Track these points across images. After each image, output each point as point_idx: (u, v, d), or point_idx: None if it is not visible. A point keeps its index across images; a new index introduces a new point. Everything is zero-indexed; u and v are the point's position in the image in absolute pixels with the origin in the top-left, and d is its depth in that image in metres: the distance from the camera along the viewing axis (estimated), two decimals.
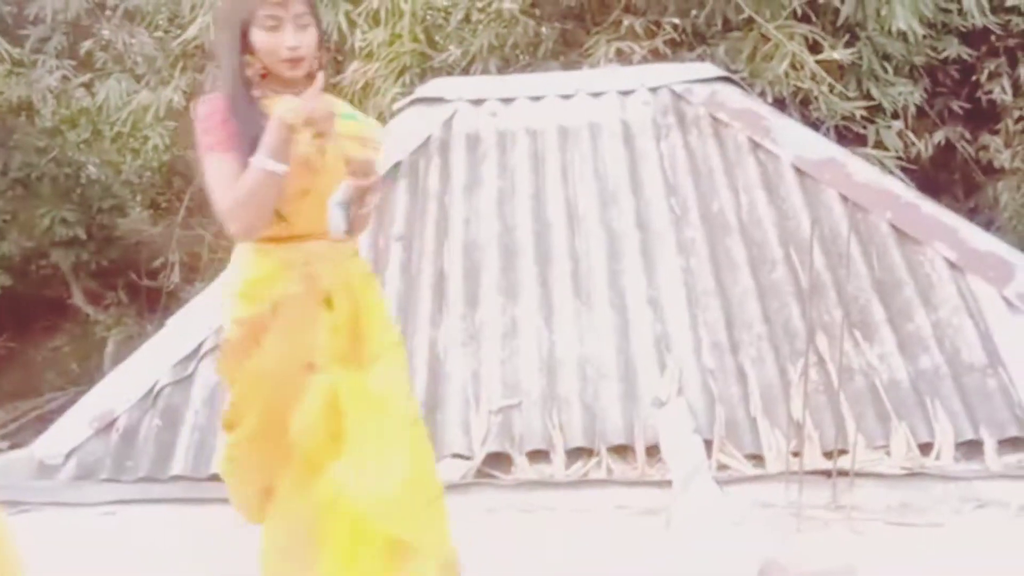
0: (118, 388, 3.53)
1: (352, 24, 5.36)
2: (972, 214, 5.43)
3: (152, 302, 6.90)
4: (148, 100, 5.86)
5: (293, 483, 1.87)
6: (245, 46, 1.81)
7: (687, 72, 4.35)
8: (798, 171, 3.89)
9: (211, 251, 6.93)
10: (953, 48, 5.23)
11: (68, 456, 3.34)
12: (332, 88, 5.90)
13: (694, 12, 5.01)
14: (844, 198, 3.76)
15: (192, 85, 5.85)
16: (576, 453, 3.14)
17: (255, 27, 1.79)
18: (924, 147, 5.30)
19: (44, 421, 3.71)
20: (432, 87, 4.39)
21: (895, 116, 5.03)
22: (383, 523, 1.80)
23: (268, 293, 1.83)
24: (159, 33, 6.21)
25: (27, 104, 6.90)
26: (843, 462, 2.92)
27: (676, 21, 4.84)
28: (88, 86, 6.49)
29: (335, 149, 1.83)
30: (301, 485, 1.86)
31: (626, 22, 4.83)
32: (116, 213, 7.44)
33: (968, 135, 5.55)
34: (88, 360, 6.83)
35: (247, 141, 1.77)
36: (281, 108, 1.77)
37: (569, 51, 5.07)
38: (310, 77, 1.81)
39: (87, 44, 6.18)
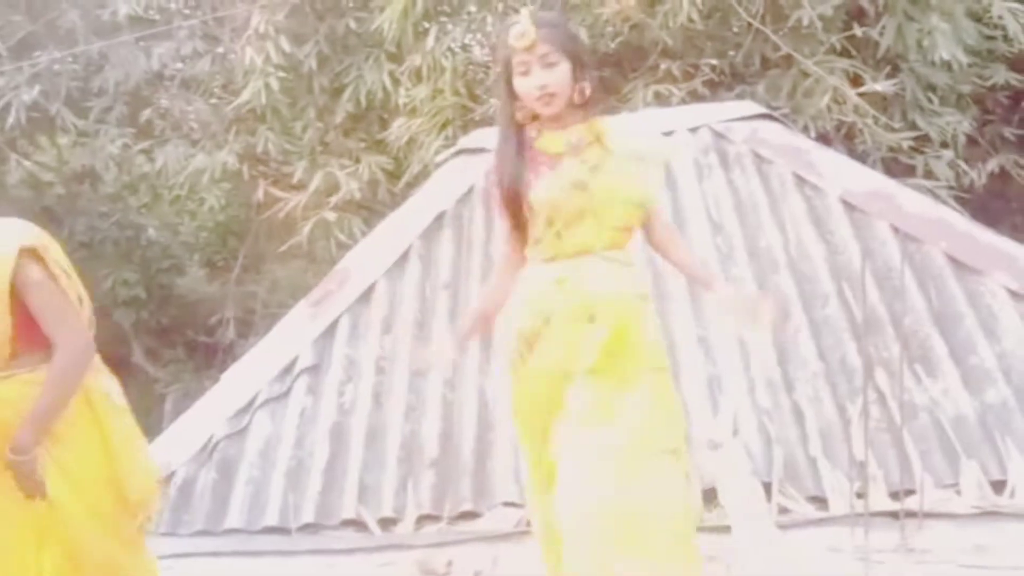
0: (175, 442, 3.60)
1: (396, 82, 5.53)
2: None
3: (209, 358, 7.07)
4: (204, 163, 6.10)
5: (541, 483, 2.05)
6: (511, 93, 2.00)
7: (727, 111, 4.35)
8: (846, 204, 3.83)
9: (264, 307, 7.11)
10: (1000, 75, 5.14)
11: None
12: (377, 144, 6.07)
13: (731, 52, 5.04)
14: (896, 230, 3.68)
15: (246, 147, 6.08)
16: None
17: (514, 75, 1.98)
18: (978, 176, 5.18)
19: None
20: (474, 138, 4.47)
21: (944, 146, 4.94)
22: (576, 542, 1.91)
23: (543, 306, 2.01)
24: (213, 100, 6.49)
25: (91, 171, 7.27)
26: (911, 503, 2.80)
27: (714, 62, 4.87)
28: (148, 152, 6.78)
29: (611, 168, 1.99)
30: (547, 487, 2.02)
31: (663, 66, 4.88)
32: (174, 273, 7.71)
33: (1023, 162, 5.41)
34: (148, 416, 6.98)
35: (507, 179, 2.02)
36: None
37: (608, 97, 5.14)
38: (581, 108, 2.00)
39: (146, 112, 6.47)
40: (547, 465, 2.03)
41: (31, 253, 1.95)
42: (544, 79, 1.94)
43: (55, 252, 2.02)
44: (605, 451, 1.92)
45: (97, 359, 2.07)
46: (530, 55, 1.93)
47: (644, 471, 1.91)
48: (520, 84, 1.97)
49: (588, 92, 1.99)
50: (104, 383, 2.05)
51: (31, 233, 1.99)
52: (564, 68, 1.95)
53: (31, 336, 1.95)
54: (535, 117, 2.01)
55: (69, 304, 2.00)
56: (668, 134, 4.31)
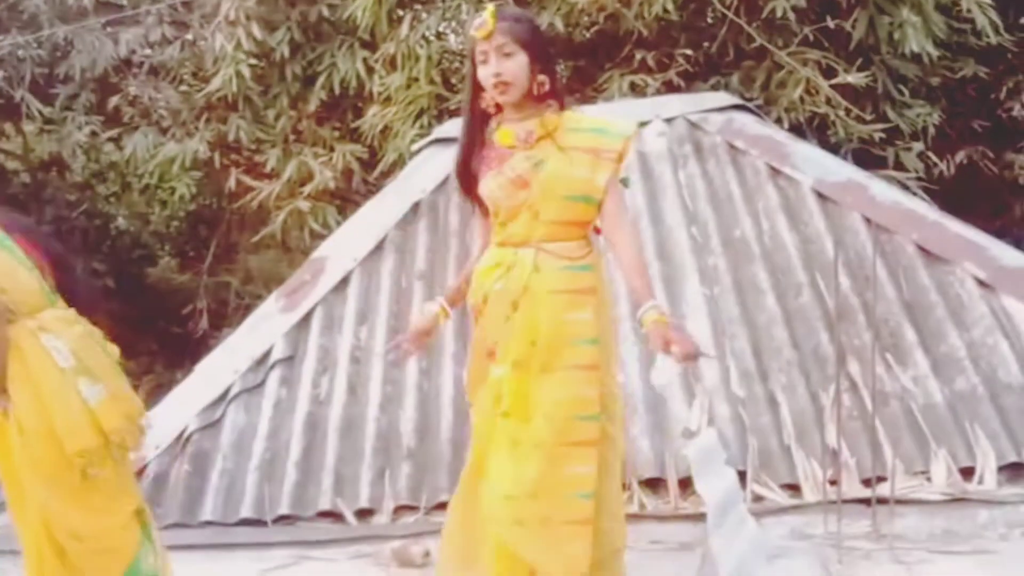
0: (147, 435, 3.54)
1: (370, 70, 5.47)
2: (1001, 233, 5.35)
3: (181, 349, 6.97)
4: (174, 152, 5.99)
5: (472, 466, 2.13)
6: (477, 83, 2.07)
7: (702, 101, 4.37)
8: (819, 195, 3.87)
9: (238, 297, 7.02)
10: (970, 68, 5.21)
11: None
12: (351, 133, 6.00)
13: (706, 43, 5.05)
14: (868, 220, 3.72)
15: (216, 136, 5.99)
16: None
17: (477, 64, 2.05)
18: (947, 167, 5.25)
19: None
20: (449, 127, 4.44)
21: (914, 137, 5.00)
22: (499, 530, 2.02)
23: (483, 285, 2.11)
24: (183, 87, 6.38)
25: (58, 159, 7.11)
26: (882, 490, 2.84)
27: (688, 53, 4.87)
28: (116, 140, 6.65)
29: (554, 163, 2.04)
30: (475, 471, 2.10)
31: (638, 56, 4.87)
32: (145, 263, 7.57)
33: (991, 154, 5.49)
34: None
35: (460, 169, 2.12)
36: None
37: (583, 87, 5.12)
38: (537, 100, 2.05)
39: (114, 100, 6.33)
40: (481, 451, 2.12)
41: None
42: (499, 67, 2.00)
43: None
44: (513, 444, 2.01)
45: (57, 316, 2.32)
46: (488, 45, 2.00)
47: (548, 465, 2.00)
48: (480, 72, 2.03)
49: (548, 86, 2.04)
50: (48, 343, 2.26)
51: None
52: (520, 59, 2.01)
53: None
54: (499, 108, 2.07)
55: None
56: (643, 124, 4.33)
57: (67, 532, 2.28)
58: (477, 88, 2.06)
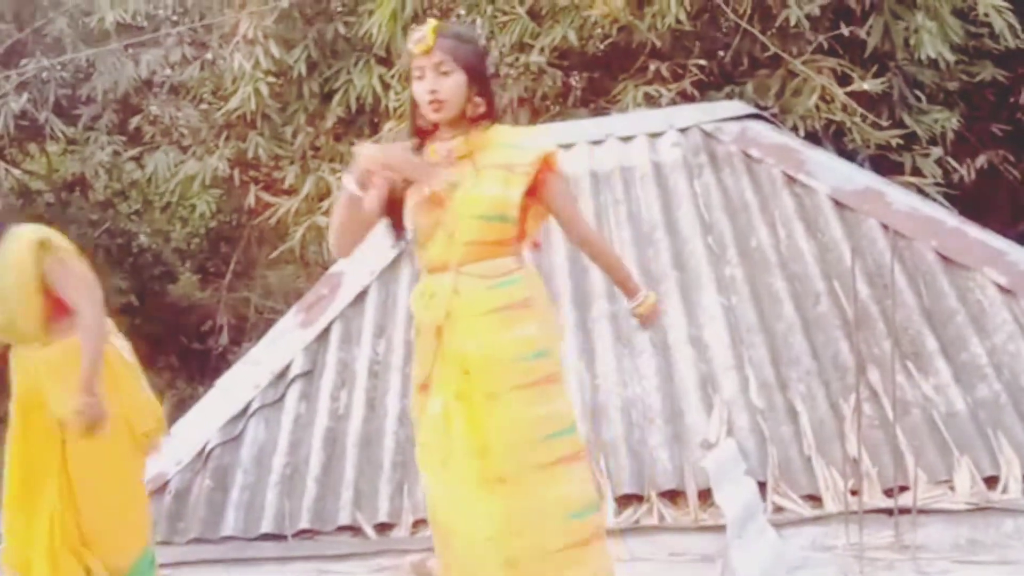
0: (169, 450, 3.58)
1: (386, 86, 5.52)
2: (1023, 238, 5.29)
3: (202, 365, 7.05)
4: (194, 169, 6.08)
5: (427, 496, 2.05)
6: (414, 100, 2.00)
7: (716, 111, 4.37)
8: (836, 203, 3.85)
9: (257, 312, 7.09)
10: (988, 72, 5.17)
11: None
12: None
13: (720, 53, 5.05)
14: (885, 227, 3.70)
15: (236, 153, 6.07)
16: (626, 500, 3.08)
17: (413, 80, 1.99)
18: (967, 172, 5.21)
19: None
20: None
21: (932, 143, 4.96)
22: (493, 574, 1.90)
23: (416, 317, 2.06)
24: (203, 106, 6.48)
25: (81, 179, 7.24)
26: (904, 499, 2.81)
27: (702, 63, 4.88)
28: (138, 159, 6.77)
29: (470, 183, 1.97)
30: (430, 501, 2.02)
31: (652, 67, 4.88)
32: (166, 279, 7.67)
33: (1011, 157, 5.44)
34: None
35: (397, 184, 1.99)
36: (362, 148, 2.01)
37: (597, 99, 5.14)
38: (471, 121, 1.98)
39: (136, 120, 6.46)
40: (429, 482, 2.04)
41: (43, 245, 2.46)
42: (435, 85, 1.93)
43: (58, 239, 2.53)
44: (477, 482, 1.90)
45: (110, 323, 2.58)
46: (426, 61, 1.94)
47: (523, 496, 1.90)
48: (416, 88, 1.97)
49: (483, 109, 1.98)
50: (116, 343, 2.57)
51: (38, 230, 2.51)
52: (458, 79, 1.94)
53: (58, 310, 2.46)
54: (435, 126, 2.00)
55: (79, 277, 2.50)
56: (658, 134, 4.33)
57: (108, 516, 2.46)
58: (414, 104, 1.99)
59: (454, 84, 1.94)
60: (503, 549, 1.88)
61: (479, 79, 1.98)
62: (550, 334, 2.03)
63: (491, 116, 2.01)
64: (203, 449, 3.54)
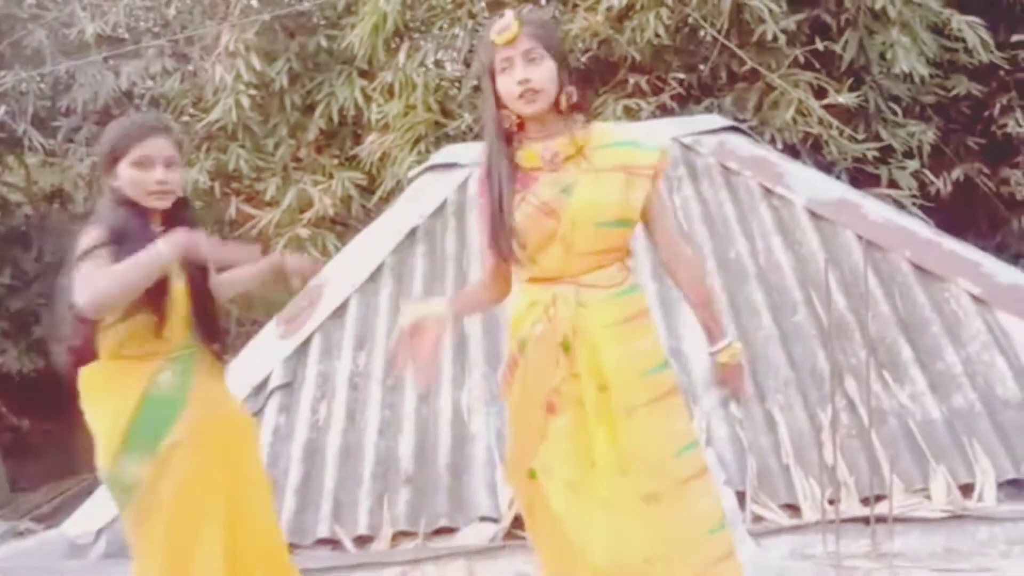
0: None
1: (368, 98, 5.54)
2: (1000, 249, 5.37)
3: None
4: None
5: (537, 520, 1.90)
6: (497, 98, 1.83)
7: (694, 124, 4.41)
8: (812, 214, 3.90)
9: (239, 325, 7.03)
10: (963, 86, 5.26)
11: (99, 534, 3.34)
12: (350, 160, 6.04)
13: (699, 67, 5.11)
14: (861, 238, 3.74)
15: (217, 165, 6.05)
16: None
17: (497, 74, 1.82)
18: (944, 184, 5.28)
19: (78, 502, 3.73)
20: (446, 153, 4.49)
21: (908, 155, 5.04)
22: None
23: (519, 331, 1.88)
24: (184, 118, 6.46)
25: (60, 191, 7.18)
26: (881, 508, 2.83)
27: (682, 76, 4.93)
28: None
29: (585, 188, 1.82)
30: (542, 524, 1.88)
31: (632, 80, 4.93)
32: None
33: (987, 170, 5.52)
34: None
35: (501, 198, 1.84)
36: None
37: (590, 107, 5.18)
38: (563, 115, 1.82)
39: None
40: (548, 503, 1.87)
41: None
42: (527, 73, 1.77)
43: None
44: (622, 501, 1.79)
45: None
46: (513, 50, 1.78)
47: (671, 514, 1.79)
48: (502, 82, 1.80)
49: (576, 98, 1.82)
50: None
51: None
52: (549, 66, 1.79)
53: None
54: (521, 126, 1.85)
55: None
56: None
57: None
58: (498, 104, 1.81)
59: (547, 71, 1.78)
60: (662, 569, 1.78)
61: (568, 66, 1.83)
62: (662, 347, 1.94)
63: (583, 108, 1.85)
64: None
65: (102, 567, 3.21)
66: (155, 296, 1.94)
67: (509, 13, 1.82)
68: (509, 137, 1.84)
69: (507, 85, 1.79)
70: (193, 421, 1.99)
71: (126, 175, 1.98)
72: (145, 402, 1.98)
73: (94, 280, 1.87)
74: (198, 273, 2.06)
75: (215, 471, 2.02)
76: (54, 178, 7.01)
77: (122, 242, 1.93)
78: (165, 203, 2.02)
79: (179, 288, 2.01)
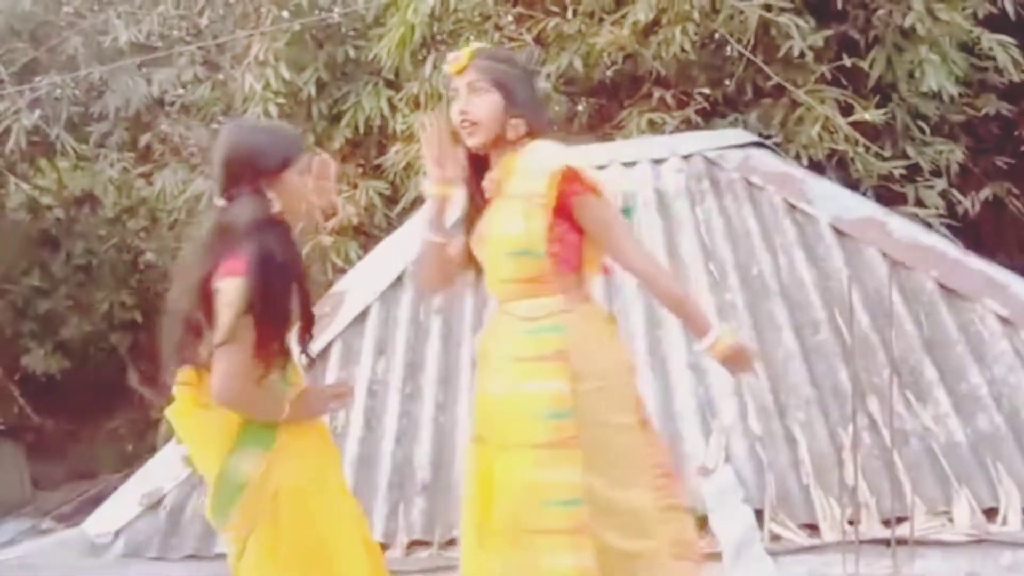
0: (166, 467, 3.58)
1: (394, 109, 5.59)
2: None
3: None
4: (202, 187, 6.13)
5: (469, 549, 1.89)
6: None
7: (719, 139, 4.40)
8: (837, 231, 3.86)
9: None
10: (992, 105, 5.20)
11: (117, 535, 3.38)
12: (374, 169, 6.09)
13: (725, 82, 5.10)
14: (886, 256, 3.70)
15: None
16: None
17: (451, 102, 1.88)
18: (972, 204, 5.21)
19: (98, 502, 3.78)
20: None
21: (936, 174, 4.98)
22: None
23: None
24: (213, 125, 6.56)
25: (90, 195, 7.31)
26: (902, 530, 2.79)
27: (707, 91, 4.92)
28: (147, 176, 6.84)
29: (498, 216, 1.85)
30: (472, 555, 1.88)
31: (657, 94, 4.93)
32: None
33: (1016, 190, 5.45)
34: (143, 441, 6.95)
35: (464, 223, 1.93)
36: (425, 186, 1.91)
37: (603, 125, 5.19)
38: (513, 145, 1.84)
39: (146, 137, 6.55)
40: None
41: None
42: (466, 105, 1.81)
43: None
44: (477, 531, 1.82)
45: None
46: (459, 81, 1.84)
47: (512, 555, 1.77)
48: (451, 110, 1.86)
49: (523, 130, 1.82)
50: None
51: None
52: (491, 98, 1.81)
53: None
54: (487, 156, 1.88)
55: None
56: (661, 161, 4.36)
57: None
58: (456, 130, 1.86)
59: (486, 104, 1.80)
60: None
61: (517, 99, 1.82)
62: (585, 393, 1.78)
63: (535, 136, 1.84)
64: None
65: (120, 567, 3.25)
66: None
67: (468, 47, 1.87)
68: (477, 162, 1.89)
69: (453, 114, 1.85)
70: (298, 428, 1.93)
71: (294, 185, 1.84)
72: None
73: (234, 386, 1.77)
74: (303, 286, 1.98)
75: (327, 470, 1.97)
76: (84, 182, 7.13)
77: (271, 285, 1.77)
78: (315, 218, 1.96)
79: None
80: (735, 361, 1.88)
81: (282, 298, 1.83)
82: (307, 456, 1.94)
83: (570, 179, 1.81)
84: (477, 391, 1.90)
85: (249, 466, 1.87)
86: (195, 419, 1.95)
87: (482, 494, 1.81)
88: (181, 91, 6.60)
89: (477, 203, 1.91)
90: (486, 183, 1.88)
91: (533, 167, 1.83)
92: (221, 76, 6.50)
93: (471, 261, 1.95)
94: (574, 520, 1.77)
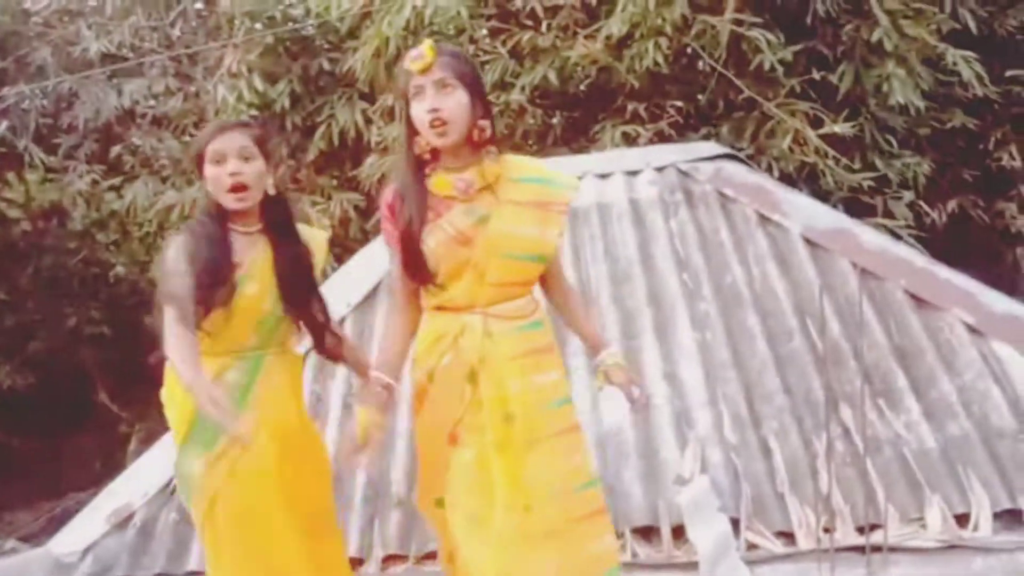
0: (135, 483, 3.51)
1: (368, 121, 5.58)
2: (995, 281, 5.37)
3: None
4: (173, 200, 6.06)
5: (447, 553, 1.91)
6: (411, 124, 1.84)
7: (692, 151, 4.45)
8: (808, 242, 3.91)
9: None
10: (958, 119, 5.31)
11: (85, 553, 3.30)
12: (349, 181, 6.07)
13: (697, 95, 5.16)
14: (857, 266, 3.75)
15: None
16: None
17: (411, 101, 1.81)
18: (939, 216, 5.31)
19: (65, 520, 3.69)
20: None
21: (904, 186, 5.07)
22: None
23: (427, 361, 1.88)
24: (185, 137, 6.49)
25: (59, 208, 7.21)
26: (876, 537, 2.81)
27: (679, 104, 4.97)
28: (117, 189, 6.75)
29: (499, 219, 1.85)
30: (452, 558, 1.89)
31: (631, 107, 4.97)
32: (142, 310, 7.57)
33: (982, 203, 5.56)
34: (111, 458, 6.82)
35: (412, 223, 1.84)
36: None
37: (577, 137, 5.22)
38: (476, 147, 1.83)
39: (116, 149, 6.46)
40: (455, 537, 1.88)
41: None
42: (437, 103, 1.78)
43: None
44: (523, 538, 1.79)
45: None
46: (425, 79, 1.79)
47: (569, 551, 1.80)
48: (414, 109, 1.81)
49: (488, 132, 1.84)
50: None
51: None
52: (460, 97, 1.80)
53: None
54: (435, 154, 1.85)
55: None
56: (635, 173, 4.39)
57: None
58: (411, 130, 1.82)
59: (457, 102, 1.79)
60: None
61: (482, 100, 1.83)
62: (567, 382, 1.96)
63: (495, 142, 1.86)
64: (170, 482, 3.46)
65: None
66: (225, 298, 1.94)
67: (424, 43, 1.83)
68: (422, 163, 1.85)
69: (418, 112, 1.80)
70: (250, 422, 1.94)
71: (207, 175, 1.98)
72: None
73: (170, 342, 1.91)
74: (287, 281, 2.01)
75: (268, 475, 1.98)
76: (53, 195, 7.03)
77: (200, 251, 1.92)
78: (245, 202, 1.97)
79: (249, 294, 1.98)
80: (624, 378, 1.99)
81: (191, 276, 1.94)
82: (249, 467, 1.96)
83: (576, 195, 1.94)
84: (486, 397, 1.83)
85: (193, 464, 1.96)
86: (167, 397, 2.08)
87: (520, 500, 1.79)
88: (152, 103, 6.53)
89: (419, 203, 1.85)
90: (455, 186, 1.84)
91: (553, 178, 1.91)
92: (193, 88, 6.45)
93: (419, 265, 1.85)
94: (600, 500, 1.88)
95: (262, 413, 1.99)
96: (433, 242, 1.85)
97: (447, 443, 1.86)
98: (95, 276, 7.30)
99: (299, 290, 2.04)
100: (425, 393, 1.89)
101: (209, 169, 1.99)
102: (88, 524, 3.41)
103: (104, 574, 3.24)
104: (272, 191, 2.04)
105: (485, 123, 1.84)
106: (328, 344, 2.17)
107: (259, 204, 2.05)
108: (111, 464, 6.63)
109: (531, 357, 1.86)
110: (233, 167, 1.97)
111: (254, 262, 2.00)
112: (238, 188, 1.96)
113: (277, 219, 2.05)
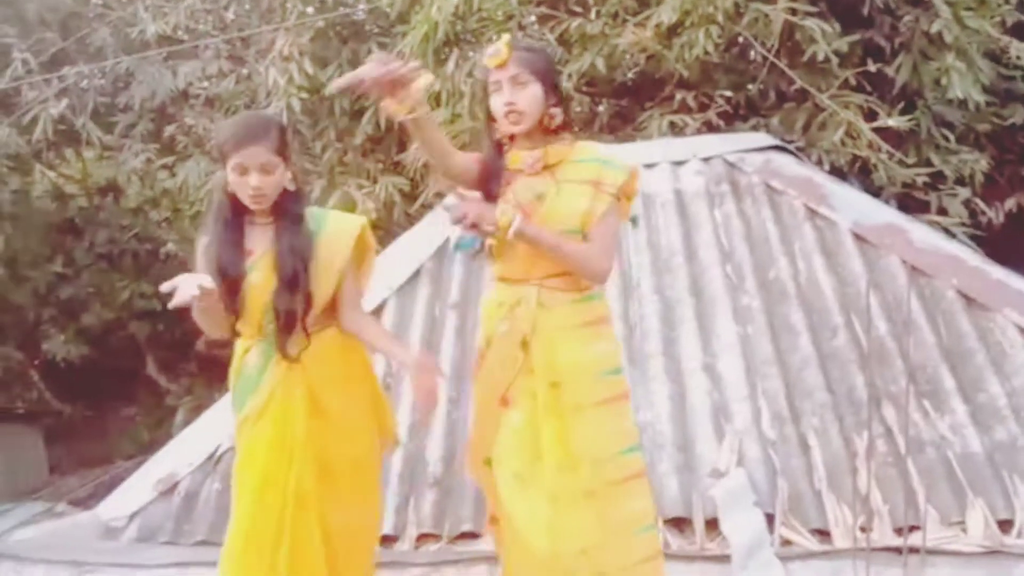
0: (181, 452, 3.62)
1: None
2: None
3: (221, 372, 7.09)
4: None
5: (491, 515, 2.12)
6: (489, 113, 2.04)
7: (740, 142, 4.38)
8: (857, 237, 3.84)
9: None
10: (1019, 115, 5.14)
11: (131, 518, 3.42)
12: (394, 166, 6.11)
13: (747, 85, 5.07)
14: (906, 263, 3.67)
15: None
16: None
17: (490, 93, 2.02)
18: (996, 215, 5.15)
19: (113, 487, 3.83)
20: None
21: (960, 183, 4.93)
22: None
23: (486, 328, 2.05)
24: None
25: (114, 185, 7.40)
26: (915, 539, 2.76)
27: (729, 94, 4.90)
28: (170, 168, 6.91)
29: (553, 198, 2.00)
30: (494, 520, 2.08)
31: (679, 96, 4.92)
32: None
33: None
34: (159, 429, 7.03)
35: (491, 186, 2.03)
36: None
37: (623, 125, 5.18)
38: (549, 132, 2.02)
39: (170, 129, 6.60)
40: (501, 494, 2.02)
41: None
42: (512, 97, 1.97)
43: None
44: (567, 496, 1.93)
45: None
46: (502, 74, 1.98)
47: (609, 510, 1.94)
48: (493, 101, 2.00)
49: (560, 120, 2.01)
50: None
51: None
52: (534, 90, 1.98)
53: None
54: (512, 137, 2.04)
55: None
56: (681, 163, 4.35)
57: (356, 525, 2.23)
58: (490, 118, 2.03)
59: (531, 95, 1.97)
60: (594, 563, 1.91)
61: (554, 90, 2.02)
62: (619, 352, 2.09)
63: (568, 127, 2.04)
64: (214, 452, 3.57)
65: (133, 550, 3.29)
66: (230, 290, 2.10)
67: (502, 40, 2.01)
68: (500, 145, 2.05)
69: (496, 105, 2.00)
70: (259, 401, 2.14)
71: (230, 178, 2.09)
72: (236, 376, 2.20)
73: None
74: (288, 273, 2.11)
75: (257, 455, 2.14)
76: (109, 172, 7.22)
77: (219, 238, 2.10)
78: (262, 205, 2.10)
79: (255, 282, 2.11)
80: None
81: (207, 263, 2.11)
82: (251, 438, 2.14)
83: (635, 180, 2.07)
84: (533, 365, 1.95)
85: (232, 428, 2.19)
86: None
87: (567, 460, 1.92)
88: (206, 84, 6.66)
89: (500, 175, 2.03)
90: (524, 160, 2.02)
91: (611, 160, 2.05)
92: (245, 70, 6.55)
93: (499, 236, 1.97)
94: (642, 464, 2.03)
95: (271, 393, 2.12)
96: (500, 211, 2.00)
97: (499, 405, 2.00)
98: (147, 252, 7.49)
99: (287, 280, 2.14)
100: (483, 358, 2.04)
101: (232, 175, 2.08)
102: (135, 491, 3.53)
103: (149, 540, 3.35)
104: (292, 187, 2.12)
105: (556, 111, 2.01)
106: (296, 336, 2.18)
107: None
108: (158, 435, 6.83)
109: (583, 328, 1.98)
110: (255, 181, 2.06)
111: (264, 252, 2.13)
112: (259, 198, 2.09)
113: (287, 211, 2.15)
